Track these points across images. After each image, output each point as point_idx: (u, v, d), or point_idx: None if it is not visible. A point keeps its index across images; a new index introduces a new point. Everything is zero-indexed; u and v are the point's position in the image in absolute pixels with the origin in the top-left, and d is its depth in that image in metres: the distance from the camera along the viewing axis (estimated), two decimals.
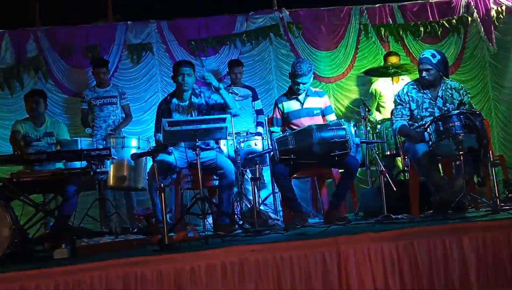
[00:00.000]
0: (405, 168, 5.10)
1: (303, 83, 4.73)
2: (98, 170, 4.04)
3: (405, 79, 6.30)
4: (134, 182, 5.19)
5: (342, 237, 3.08)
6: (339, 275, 2.98)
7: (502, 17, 7.24)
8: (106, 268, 2.91)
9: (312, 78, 4.86)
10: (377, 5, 7.15)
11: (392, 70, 6.08)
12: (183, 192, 5.10)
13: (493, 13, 7.23)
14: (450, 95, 4.42)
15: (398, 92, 4.58)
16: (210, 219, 4.80)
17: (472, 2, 7.21)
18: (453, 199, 3.89)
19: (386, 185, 4.33)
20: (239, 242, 3.41)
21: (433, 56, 4.38)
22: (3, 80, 6.48)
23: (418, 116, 4.44)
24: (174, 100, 4.80)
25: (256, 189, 4.64)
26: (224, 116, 4.26)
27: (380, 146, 5.65)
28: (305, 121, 4.73)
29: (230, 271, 2.93)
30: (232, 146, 5.46)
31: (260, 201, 5.61)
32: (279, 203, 5.44)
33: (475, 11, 7.17)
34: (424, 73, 4.38)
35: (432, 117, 4.22)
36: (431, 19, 7.16)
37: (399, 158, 5.66)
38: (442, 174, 4.48)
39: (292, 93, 4.87)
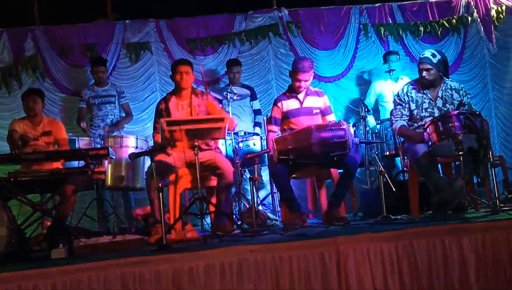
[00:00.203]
0: (405, 168, 5.09)
1: (305, 80, 4.70)
2: (96, 170, 4.01)
3: (405, 79, 6.29)
4: (132, 182, 5.17)
5: (341, 238, 3.08)
6: (338, 275, 2.97)
7: (502, 17, 7.24)
8: (104, 268, 2.90)
9: (312, 76, 4.84)
10: (376, 5, 7.14)
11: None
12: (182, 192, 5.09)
13: (493, 13, 7.23)
14: (450, 96, 4.41)
15: (398, 92, 4.56)
16: (208, 219, 4.79)
17: (472, 2, 7.20)
18: (452, 200, 3.88)
19: (386, 185, 4.33)
20: (238, 242, 3.40)
21: (433, 56, 4.36)
22: (0, 79, 6.46)
23: (418, 116, 4.43)
24: (173, 100, 4.78)
25: (254, 189, 4.63)
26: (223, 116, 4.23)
27: (379, 146, 5.64)
28: (304, 120, 4.70)
29: (228, 271, 2.93)
30: (231, 146, 5.45)
31: (259, 201, 5.61)
32: (277, 203, 5.42)
33: (475, 11, 7.16)
34: (424, 73, 4.37)
35: (431, 118, 4.21)
36: (431, 19, 7.15)
37: (399, 158, 5.65)
38: (441, 175, 4.47)
39: (291, 92, 4.85)
